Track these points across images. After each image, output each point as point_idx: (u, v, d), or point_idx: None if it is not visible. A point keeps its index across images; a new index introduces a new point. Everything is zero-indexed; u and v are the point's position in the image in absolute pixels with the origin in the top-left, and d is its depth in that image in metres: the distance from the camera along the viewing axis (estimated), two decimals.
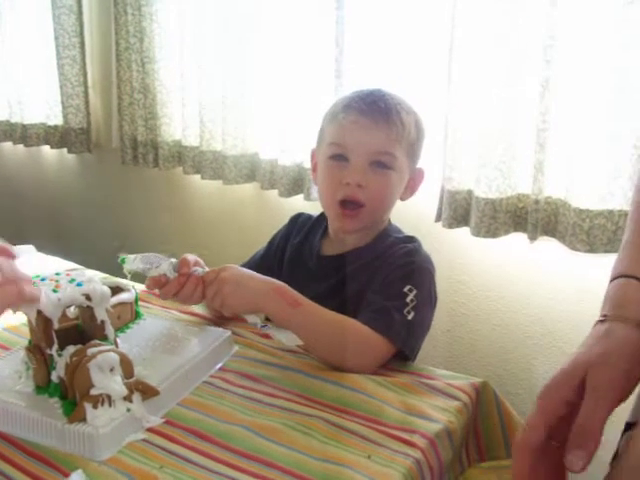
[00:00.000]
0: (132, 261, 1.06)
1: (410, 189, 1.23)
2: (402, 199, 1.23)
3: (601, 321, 0.72)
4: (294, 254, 1.29)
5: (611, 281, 0.76)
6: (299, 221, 1.34)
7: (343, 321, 1.04)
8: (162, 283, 1.06)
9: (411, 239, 1.21)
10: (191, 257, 1.10)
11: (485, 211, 1.56)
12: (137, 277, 1.10)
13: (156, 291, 1.09)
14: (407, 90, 1.74)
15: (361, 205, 1.14)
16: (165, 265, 1.06)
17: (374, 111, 1.14)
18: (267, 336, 1.11)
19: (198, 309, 1.24)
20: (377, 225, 1.22)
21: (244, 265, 1.24)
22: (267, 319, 1.07)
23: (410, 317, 1.06)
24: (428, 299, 1.13)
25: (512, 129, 1.54)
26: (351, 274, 1.18)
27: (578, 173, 1.46)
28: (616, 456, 0.74)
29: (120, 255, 1.08)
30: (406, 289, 1.08)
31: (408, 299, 1.07)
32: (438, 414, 0.90)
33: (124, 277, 1.34)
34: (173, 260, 1.08)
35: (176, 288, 1.06)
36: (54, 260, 1.50)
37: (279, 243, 1.33)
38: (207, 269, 1.09)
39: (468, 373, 1.04)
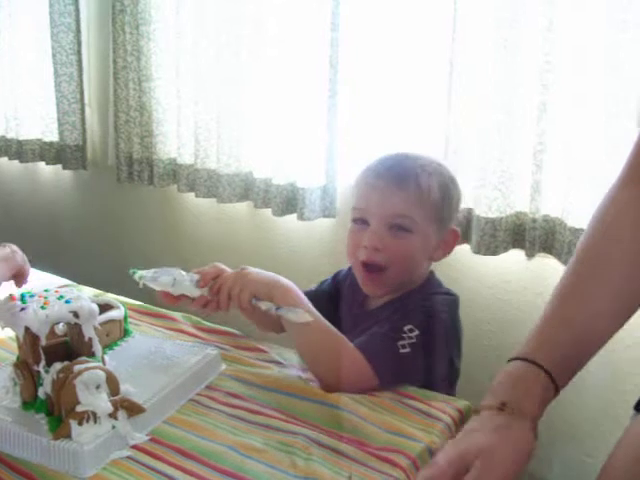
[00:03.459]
0: (149, 279, 1.10)
1: (443, 249, 1.19)
2: (435, 260, 1.19)
3: (500, 409, 0.74)
4: (345, 311, 1.27)
5: (514, 359, 0.78)
6: (339, 278, 1.30)
7: (341, 339, 1.05)
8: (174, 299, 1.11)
9: (445, 293, 1.18)
10: (211, 271, 1.11)
11: (485, 230, 1.60)
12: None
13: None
14: (405, 112, 1.79)
15: (382, 268, 1.12)
16: (187, 283, 1.09)
17: (391, 175, 1.13)
18: (260, 350, 1.14)
19: (187, 327, 1.24)
20: (406, 285, 1.17)
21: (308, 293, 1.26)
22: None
23: (404, 351, 1.03)
24: (441, 349, 1.08)
25: (510, 151, 1.57)
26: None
27: (574, 193, 1.49)
28: None
29: (132, 269, 1.12)
30: (406, 328, 1.05)
31: (405, 335, 1.04)
32: (420, 434, 0.90)
33: (115, 293, 1.35)
34: (195, 276, 1.10)
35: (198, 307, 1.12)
36: (45, 276, 1.50)
37: (328, 296, 1.30)
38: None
39: (460, 395, 1.03)
